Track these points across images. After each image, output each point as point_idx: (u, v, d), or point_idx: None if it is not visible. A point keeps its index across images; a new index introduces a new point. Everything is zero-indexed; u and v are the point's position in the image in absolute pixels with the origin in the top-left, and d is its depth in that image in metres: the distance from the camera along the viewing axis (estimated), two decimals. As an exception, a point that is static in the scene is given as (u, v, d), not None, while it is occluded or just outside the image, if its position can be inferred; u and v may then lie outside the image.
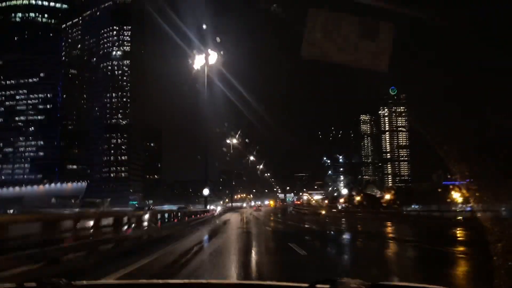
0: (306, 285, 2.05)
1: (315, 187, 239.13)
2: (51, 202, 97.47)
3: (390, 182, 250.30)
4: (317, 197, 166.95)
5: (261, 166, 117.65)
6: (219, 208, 60.51)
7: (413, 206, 67.44)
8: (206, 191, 43.65)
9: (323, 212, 62.24)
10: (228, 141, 72.87)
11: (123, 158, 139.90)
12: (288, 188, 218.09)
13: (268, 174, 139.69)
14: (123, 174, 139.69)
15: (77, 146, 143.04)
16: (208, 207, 45.78)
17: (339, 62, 3.63)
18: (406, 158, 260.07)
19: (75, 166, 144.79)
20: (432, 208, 54.72)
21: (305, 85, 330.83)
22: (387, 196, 75.77)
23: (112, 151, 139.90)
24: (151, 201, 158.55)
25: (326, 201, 77.72)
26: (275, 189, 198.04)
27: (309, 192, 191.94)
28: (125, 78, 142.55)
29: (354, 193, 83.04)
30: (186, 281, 2.93)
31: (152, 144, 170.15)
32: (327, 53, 3.52)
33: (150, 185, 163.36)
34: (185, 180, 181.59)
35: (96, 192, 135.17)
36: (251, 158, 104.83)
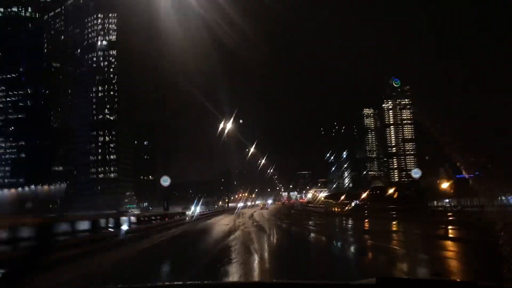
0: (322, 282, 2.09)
1: (319, 184, 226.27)
2: (24, 207, 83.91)
3: (396, 177, 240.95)
4: (322, 194, 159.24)
5: (263, 161, 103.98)
6: (193, 212, 44.25)
7: (445, 201, 54.27)
8: (165, 180, 30.10)
9: (341, 210, 49.17)
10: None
11: (111, 157, 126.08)
12: (291, 186, 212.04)
13: (271, 169, 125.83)
14: (112, 175, 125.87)
15: (62, 146, 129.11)
16: (191, 209, 31.97)
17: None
18: (412, 152, 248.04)
19: (61, 168, 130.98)
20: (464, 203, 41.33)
21: (304, 81, 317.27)
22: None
23: (100, 150, 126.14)
24: (145, 204, 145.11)
25: (342, 197, 63.53)
26: (277, 188, 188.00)
27: (315, 190, 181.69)
28: (111, 70, 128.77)
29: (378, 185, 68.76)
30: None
31: (145, 143, 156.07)
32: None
33: (145, 186, 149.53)
34: (187, 181, 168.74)
35: (84, 195, 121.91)
36: (251, 153, 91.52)
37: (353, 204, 69.01)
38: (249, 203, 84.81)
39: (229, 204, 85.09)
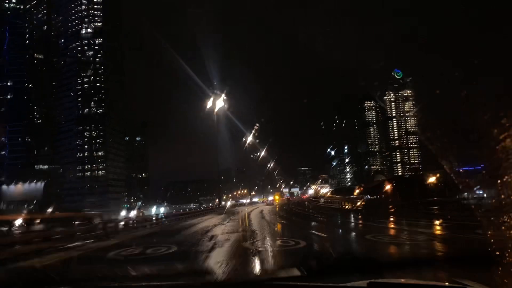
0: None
1: (319, 180, 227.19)
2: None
3: (399, 171, 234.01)
4: (324, 190, 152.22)
5: (262, 155, 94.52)
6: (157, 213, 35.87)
7: (479, 193, 43.99)
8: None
9: (353, 205, 39.15)
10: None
11: (99, 153, 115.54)
12: (291, 182, 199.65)
13: (271, 163, 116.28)
14: (100, 173, 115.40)
15: (46, 142, 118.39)
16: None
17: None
18: (416, 145, 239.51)
19: (45, 166, 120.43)
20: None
21: (302, 73, 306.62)
22: (431, 179, 51.57)
23: (87, 146, 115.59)
24: (139, 203, 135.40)
25: (357, 190, 53.30)
26: (277, 185, 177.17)
27: (319, 186, 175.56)
28: (98, 59, 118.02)
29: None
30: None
31: (138, 139, 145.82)
32: None
33: (139, 185, 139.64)
34: (183, 180, 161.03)
35: (71, 195, 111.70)
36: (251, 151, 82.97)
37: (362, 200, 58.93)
38: (245, 201, 73.85)
39: (228, 202, 75.24)
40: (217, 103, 46.38)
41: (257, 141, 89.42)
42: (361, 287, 2.00)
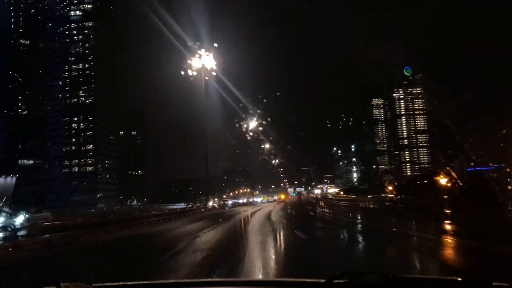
0: (323, 280, 1.96)
1: (325, 180, 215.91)
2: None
3: (408, 171, 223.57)
4: (332, 190, 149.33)
5: (266, 151, 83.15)
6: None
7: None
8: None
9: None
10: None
11: (88, 147, 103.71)
12: (296, 182, 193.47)
13: (276, 161, 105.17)
14: (89, 168, 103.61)
15: (31, 135, 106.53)
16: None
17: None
18: (425, 144, 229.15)
19: (31, 161, 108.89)
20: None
21: (309, 68, 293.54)
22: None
23: (74, 139, 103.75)
24: (134, 202, 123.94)
25: (390, 187, 41.29)
26: (282, 184, 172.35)
27: (326, 185, 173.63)
28: (88, 45, 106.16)
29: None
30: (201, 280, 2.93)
31: (134, 133, 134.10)
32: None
33: (133, 182, 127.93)
34: (182, 178, 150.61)
35: (56, 193, 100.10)
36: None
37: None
38: (241, 200, 61.11)
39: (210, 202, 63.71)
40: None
41: (261, 137, 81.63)
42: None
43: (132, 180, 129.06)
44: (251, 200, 68.99)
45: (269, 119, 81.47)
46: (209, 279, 3.93)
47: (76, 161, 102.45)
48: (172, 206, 69.43)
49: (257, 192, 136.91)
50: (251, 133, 70.20)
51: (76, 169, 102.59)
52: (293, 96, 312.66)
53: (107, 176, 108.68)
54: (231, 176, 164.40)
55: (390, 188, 42.53)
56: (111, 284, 2.27)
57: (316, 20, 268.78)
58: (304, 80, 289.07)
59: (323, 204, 49.72)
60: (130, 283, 2.34)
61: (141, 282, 2.42)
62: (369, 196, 41.65)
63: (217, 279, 4.43)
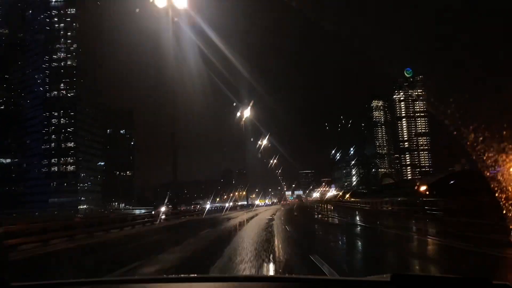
0: (329, 277, 2.13)
1: (323, 183, 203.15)
2: None
3: (409, 174, 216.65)
4: (330, 194, 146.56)
5: (260, 144, 74.40)
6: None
7: None
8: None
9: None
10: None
11: (69, 145, 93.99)
12: (293, 185, 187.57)
13: (273, 160, 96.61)
14: (70, 168, 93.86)
15: (9, 131, 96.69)
16: None
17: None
18: (426, 147, 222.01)
19: (8, 159, 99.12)
20: None
21: (308, 68, 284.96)
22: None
23: (54, 135, 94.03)
24: (123, 205, 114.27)
25: (423, 187, 32.15)
26: (279, 188, 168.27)
27: (325, 189, 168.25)
28: (71, 34, 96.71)
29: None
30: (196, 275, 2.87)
31: (123, 132, 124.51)
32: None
33: (124, 184, 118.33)
34: (181, 181, 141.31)
35: (33, 194, 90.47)
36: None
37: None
38: (226, 204, 51.42)
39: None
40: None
41: (259, 142, 75.51)
42: (384, 280, 1.91)
43: (120, 181, 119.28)
44: (244, 204, 59.53)
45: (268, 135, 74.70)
46: (208, 275, 3.63)
47: (56, 159, 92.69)
48: (136, 212, 60.04)
49: (253, 196, 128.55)
50: (249, 136, 67.29)
51: (56, 168, 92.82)
52: (292, 98, 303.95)
53: (91, 176, 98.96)
54: (227, 179, 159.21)
55: (423, 188, 33.51)
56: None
57: (316, 20, 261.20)
58: (302, 81, 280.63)
59: (332, 208, 40.41)
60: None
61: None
62: (398, 199, 32.65)
63: (221, 275, 3.92)
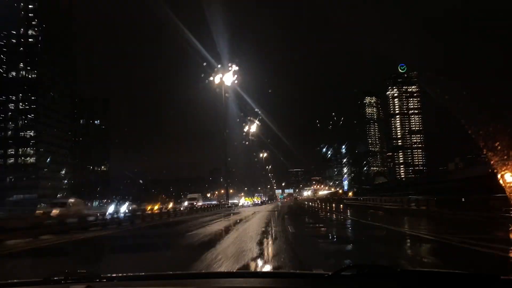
0: (329, 273, 1.91)
1: (313, 182, 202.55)
2: None
3: (402, 173, 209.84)
4: (322, 192, 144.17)
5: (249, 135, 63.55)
6: None
7: None
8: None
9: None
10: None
11: (29, 133, 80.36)
12: (284, 184, 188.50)
13: (263, 153, 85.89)
14: (30, 160, 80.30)
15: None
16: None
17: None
18: (420, 145, 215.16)
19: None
20: None
21: (294, 62, 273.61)
22: None
23: (11, 122, 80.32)
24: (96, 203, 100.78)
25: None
26: (268, 186, 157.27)
27: (315, 187, 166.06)
28: (33, 7, 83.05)
29: None
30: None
31: (97, 122, 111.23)
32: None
33: (96, 179, 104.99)
34: (167, 178, 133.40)
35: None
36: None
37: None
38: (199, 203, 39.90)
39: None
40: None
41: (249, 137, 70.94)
42: (386, 276, 1.87)
43: (94, 177, 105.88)
44: (228, 203, 47.32)
45: (257, 121, 64.83)
46: (214, 271, 3.73)
47: (12, 150, 78.97)
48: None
49: (242, 194, 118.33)
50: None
51: (13, 160, 79.12)
52: (281, 94, 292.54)
53: (56, 171, 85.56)
54: (215, 176, 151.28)
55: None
56: (120, 275, 2.21)
57: (311, 15, 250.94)
58: (292, 77, 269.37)
59: (345, 209, 28.53)
60: (138, 274, 2.30)
61: (145, 274, 2.35)
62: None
63: (226, 271, 4.26)
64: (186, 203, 44.64)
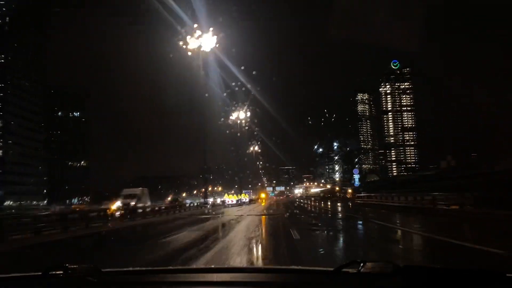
0: (331, 269, 1.89)
1: (304, 180, 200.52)
2: None
3: (394, 171, 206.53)
4: (315, 190, 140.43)
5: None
6: None
7: None
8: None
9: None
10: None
11: (-6, 123, 72.40)
12: (275, 181, 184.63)
13: (254, 145, 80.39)
14: (-4, 153, 72.35)
15: None
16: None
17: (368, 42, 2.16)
18: (413, 143, 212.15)
19: None
20: None
21: (286, 59, 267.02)
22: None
23: (-26, 112, 72.17)
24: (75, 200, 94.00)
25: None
26: (259, 184, 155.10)
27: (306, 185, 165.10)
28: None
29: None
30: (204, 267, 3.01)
31: (76, 114, 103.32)
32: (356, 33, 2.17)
33: (74, 176, 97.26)
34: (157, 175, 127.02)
35: None
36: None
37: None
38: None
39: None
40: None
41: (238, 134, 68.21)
42: (387, 272, 1.82)
43: (72, 173, 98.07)
44: (210, 201, 40.70)
45: (247, 113, 58.75)
46: (216, 266, 3.74)
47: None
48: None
49: (233, 192, 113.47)
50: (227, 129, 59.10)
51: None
52: (271, 90, 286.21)
53: (27, 165, 77.65)
54: (206, 175, 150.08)
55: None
56: (121, 269, 2.24)
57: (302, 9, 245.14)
58: (283, 72, 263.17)
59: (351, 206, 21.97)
60: (138, 268, 2.35)
61: (153, 268, 2.39)
62: None
63: (227, 267, 4.18)
64: (119, 203, 32.37)
